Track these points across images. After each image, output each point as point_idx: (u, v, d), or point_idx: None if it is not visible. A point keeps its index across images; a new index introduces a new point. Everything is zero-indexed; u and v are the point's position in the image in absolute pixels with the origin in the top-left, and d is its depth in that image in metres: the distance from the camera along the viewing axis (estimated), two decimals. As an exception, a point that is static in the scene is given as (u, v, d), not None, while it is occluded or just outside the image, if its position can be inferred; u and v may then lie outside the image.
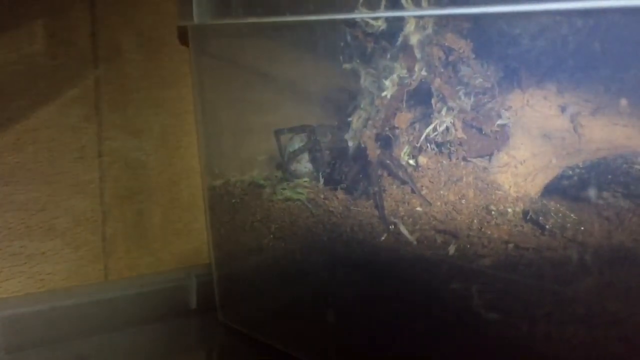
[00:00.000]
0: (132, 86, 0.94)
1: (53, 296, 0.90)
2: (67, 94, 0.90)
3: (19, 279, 0.88)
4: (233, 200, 0.89)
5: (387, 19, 0.69)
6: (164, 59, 0.96)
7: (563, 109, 0.78)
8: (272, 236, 0.83)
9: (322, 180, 0.81)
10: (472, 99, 0.77)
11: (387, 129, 0.73)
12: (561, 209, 0.73)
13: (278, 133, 0.88)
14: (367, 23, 0.70)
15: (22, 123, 0.87)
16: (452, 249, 0.69)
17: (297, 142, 0.86)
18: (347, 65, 0.77)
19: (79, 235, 0.92)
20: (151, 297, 0.95)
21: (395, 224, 0.73)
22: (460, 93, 0.76)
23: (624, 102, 0.73)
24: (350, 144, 0.78)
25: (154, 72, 0.95)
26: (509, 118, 0.79)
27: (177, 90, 0.97)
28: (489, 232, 0.70)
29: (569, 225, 0.70)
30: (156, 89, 0.96)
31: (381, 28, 0.70)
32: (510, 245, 0.68)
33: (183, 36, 0.95)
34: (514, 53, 0.76)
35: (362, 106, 0.76)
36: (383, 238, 0.73)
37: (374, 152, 0.72)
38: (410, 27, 0.67)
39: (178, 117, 0.98)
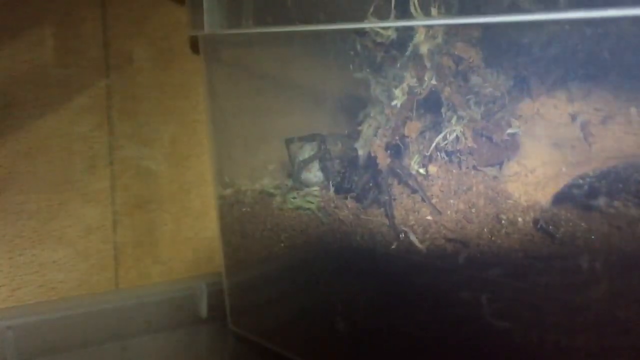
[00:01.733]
0: (143, 95, 0.95)
1: (64, 305, 0.90)
2: (78, 103, 0.90)
3: (31, 288, 0.89)
4: (243, 209, 0.89)
5: (397, 29, 0.69)
6: (175, 69, 0.96)
7: (573, 118, 0.77)
8: (282, 245, 0.83)
9: (332, 189, 0.81)
10: (482, 107, 0.77)
11: (397, 137, 0.73)
12: (572, 217, 0.73)
13: (288, 142, 0.88)
14: (377, 32, 0.70)
15: (33, 132, 0.88)
16: (462, 258, 0.68)
17: (308, 151, 0.87)
18: (357, 75, 0.78)
19: (90, 244, 0.92)
20: (162, 305, 0.96)
21: (405, 233, 0.73)
22: (470, 102, 0.76)
23: (634, 110, 0.73)
24: (360, 152, 0.78)
25: (165, 81, 0.96)
26: (519, 127, 0.79)
27: (188, 100, 0.98)
28: (499, 241, 0.70)
29: (579, 234, 0.70)
30: (167, 98, 0.96)
31: (391, 37, 0.71)
32: (521, 255, 0.67)
33: (194, 45, 0.96)
34: (524, 62, 0.76)
35: (372, 115, 0.76)
36: (393, 247, 0.73)
37: (384, 160, 0.72)
38: (420, 36, 0.68)
39: (189, 126, 0.98)
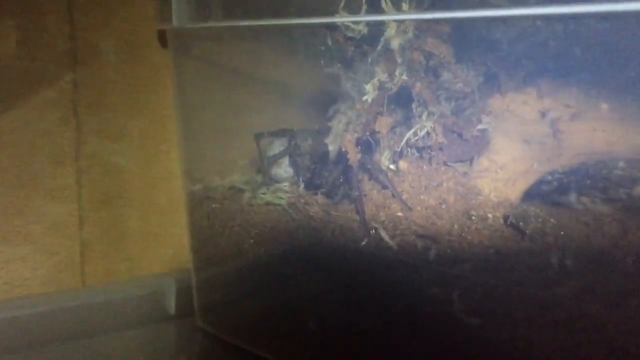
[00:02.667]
0: (111, 89, 0.93)
1: (30, 302, 0.89)
2: (43, 97, 0.89)
3: (-4, 285, 0.87)
4: (213, 205, 0.88)
5: (368, 23, 0.69)
6: (142, 63, 0.95)
7: (543, 114, 0.78)
8: (252, 241, 0.82)
9: (302, 185, 0.81)
10: (453, 103, 0.77)
11: (368, 133, 0.73)
12: (541, 214, 0.73)
13: (258, 137, 0.88)
14: (347, 27, 0.70)
15: (-3, 126, 0.86)
16: (432, 254, 0.68)
17: (278, 146, 0.86)
18: (327, 70, 0.77)
19: (56, 241, 0.91)
20: (129, 302, 0.95)
21: (376, 229, 0.72)
22: (441, 98, 0.76)
23: (603, 107, 0.73)
24: (330, 148, 0.78)
25: (132, 75, 0.94)
26: (489, 123, 0.79)
27: (156, 94, 0.96)
28: (470, 237, 0.70)
29: (548, 230, 0.70)
30: (135, 93, 0.95)
31: (362, 32, 0.70)
32: (491, 251, 0.67)
33: (162, 39, 0.95)
34: (494, 58, 0.76)
35: (342, 110, 0.76)
36: (364, 243, 0.72)
37: (354, 156, 0.72)
38: (391, 31, 0.67)
39: (157, 121, 0.97)
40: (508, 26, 0.70)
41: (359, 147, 0.73)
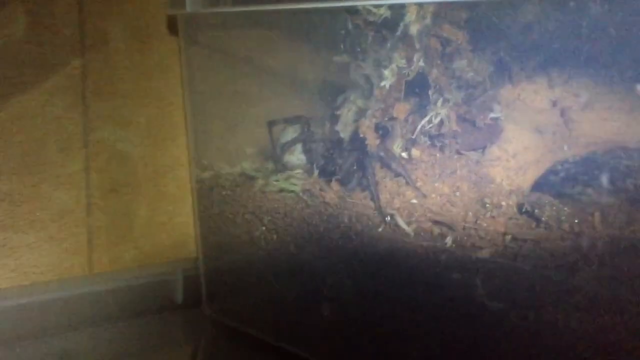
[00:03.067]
0: (119, 76, 0.93)
1: (37, 289, 0.88)
2: (52, 83, 0.88)
3: (3, 271, 0.86)
4: (223, 192, 0.88)
5: (389, 7, 0.68)
6: (152, 49, 0.94)
7: (554, 103, 0.78)
8: (264, 228, 0.82)
9: (316, 172, 0.81)
10: (466, 91, 0.77)
11: (385, 119, 0.73)
12: (554, 202, 0.73)
13: (271, 124, 0.87)
14: (369, 11, 0.70)
15: (6, 112, 0.85)
16: (449, 241, 0.68)
17: (291, 133, 0.86)
18: (344, 55, 0.77)
19: (64, 228, 0.90)
20: (136, 291, 0.94)
21: (392, 216, 0.72)
22: (456, 85, 0.76)
23: (614, 97, 0.73)
24: (345, 134, 0.77)
25: (141, 62, 0.94)
26: (501, 111, 0.79)
27: (165, 81, 0.96)
28: (485, 224, 0.70)
29: (563, 217, 0.70)
30: (144, 80, 0.94)
31: (383, 16, 0.70)
32: (508, 237, 0.68)
33: (172, 26, 0.94)
34: (507, 46, 0.76)
35: (359, 96, 0.76)
36: (380, 229, 0.72)
37: (373, 142, 0.72)
38: (410, 16, 0.67)
39: (166, 109, 0.96)
40: (520, 13, 0.70)
41: (379, 132, 0.73)
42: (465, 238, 0.68)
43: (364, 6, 0.69)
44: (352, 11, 0.71)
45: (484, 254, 0.66)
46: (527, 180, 0.80)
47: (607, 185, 0.73)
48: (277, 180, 0.83)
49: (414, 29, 0.68)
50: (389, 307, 0.71)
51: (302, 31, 0.85)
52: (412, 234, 0.71)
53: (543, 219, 0.70)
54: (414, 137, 0.77)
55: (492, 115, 0.79)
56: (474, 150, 0.81)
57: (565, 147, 0.78)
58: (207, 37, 0.92)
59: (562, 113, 0.77)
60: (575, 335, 0.58)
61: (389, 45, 0.70)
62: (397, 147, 0.78)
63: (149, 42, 0.94)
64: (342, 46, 0.77)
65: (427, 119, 0.76)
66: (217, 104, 0.93)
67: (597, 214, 0.66)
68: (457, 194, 0.76)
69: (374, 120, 0.71)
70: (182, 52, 0.92)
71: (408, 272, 0.69)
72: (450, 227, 0.70)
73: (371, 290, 0.73)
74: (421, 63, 0.71)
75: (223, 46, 0.93)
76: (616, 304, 0.58)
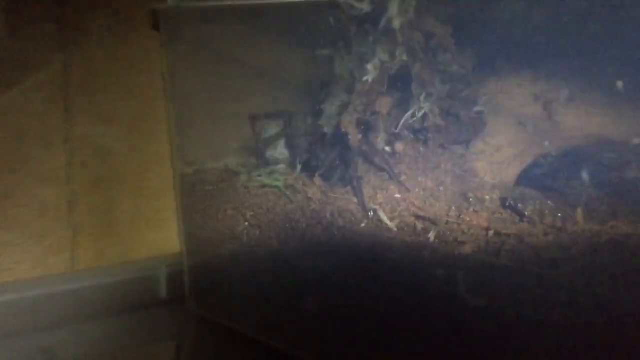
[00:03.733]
0: (101, 71, 0.92)
1: (19, 286, 0.88)
2: (33, 78, 0.87)
3: (-16, 269, 0.86)
4: (206, 188, 0.87)
5: (371, 2, 0.68)
6: (133, 44, 0.94)
7: (537, 97, 0.78)
8: (247, 224, 0.82)
9: (299, 167, 0.80)
10: (450, 85, 0.77)
11: (368, 113, 0.73)
12: (538, 196, 0.73)
13: (253, 119, 0.87)
14: (351, 5, 0.69)
15: (-14, 108, 0.85)
16: (432, 236, 0.68)
17: (274, 128, 0.85)
18: (327, 49, 0.77)
19: (46, 224, 0.90)
20: (120, 287, 0.94)
21: (375, 211, 0.72)
22: (439, 79, 0.76)
23: (598, 91, 0.73)
24: (328, 129, 0.77)
25: (123, 56, 0.93)
26: (485, 105, 0.79)
27: (147, 76, 0.95)
28: (468, 219, 0.70)
29: (547, 212, 0.70)
30: (125, 74, 0.94)
31: (365, 10, 0.70)
32: (491, 232, 0.68)
33: (154, 20, 0.93)
34: (490, 40, 0.76)
35: (339, 91, 0.75)
36: (363, 225, 0.72)
37: (355, 137, 0.72)
38: (393, 10, 0.67)
39: (148, 103, 0.96)
40: (505, 6, 0.70)
41: (360, 127, 0.73)
42: (448, 233, 0.68)
43: (345, 0, 0.68)
44: (334, 5, 0.71)
45: (467, 249, 0.66)
46: (510, 174, 0.80)
47: (591, 179, 0.73)
48: (260, 176, 0.82)
49: (396, 23, 0.68)
50: (371, 303, 0.71)
51: (285, 26, 0.85)
52: (395, 229, 0.70)
53: (526, 213, 0.70)
54: (397, 131, 0.77)
55: (476, 109, 0.79)
56: (458, 144, 0.81)
57: (549, 141, 0.78)
58: (189, 33, 0.91)
59: (546, 107, 0.77)
60: (557, 332, 0.58)
61: (371, 39, 0.70)
62: (380, 141, 0.78)
63: (131, 37, 0.93)
64: (324, 41, 0.76)
65: (410, 112, 0.76)
66: (200, 98, 0.93)
67: (579, 209, 0.66)
68: (441, 188, 0.76)
69: (356, 115, 0.71)
70: (165, 47, 0.91)
71: (391, 267, 0.69)
72: (434, 222, 0.70)
73: (354, 286, 0.72)
74: (404, 57, 0.71)
75: (206, 41, 0.92)
76: (598, 299, 0.58)
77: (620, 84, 0.69)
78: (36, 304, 0.88)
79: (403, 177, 0.76)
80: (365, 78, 0.70)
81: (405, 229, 0.70)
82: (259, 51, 0.92)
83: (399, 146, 0.79)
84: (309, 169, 0.80)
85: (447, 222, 0.70)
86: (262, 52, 0.92)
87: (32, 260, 0.89)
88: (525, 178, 0.79)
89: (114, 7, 0.92)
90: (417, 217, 0.71)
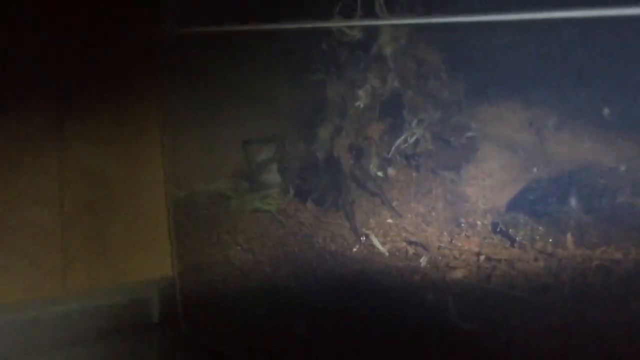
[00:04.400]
0: (96, 96, 0.92)
1: (12, 309, 0.87)
2: (28, 103, 0.87)
3: (-24, 292, 0.86)
4: (199, 212, 0.87)
5: (362, 29, 0.69)
6: (129, 69, 0.94)
7: (530, 123, 0.78)
8: (239, 247, 0.82)
9: (292, 191, 0.80)
10: (442, 111, 0.78)
11: (360, 139, 0.73)
12: (529, 221, 0.73)
13: (246, 143, 0.87)
14: (342, 32, 0.70)
15: (-20, 132, 0.85)
16: (424, 261, 0.69)
17: (266, 153, 0.86)
18: (319, 75, 0.77)
19: (38, 247, 0.90)
20: (112, 310, 0.93)
21: (367, 235, 0.72)
22: (431, 105, 0.76)
23: (588, 118, 0.74)
24: (321, 154, 0.78)
25: (117, 82, 0.93)
26: (477, 131, 0.79)
27: (142, 102, 0.95)
28: (460, 244, 0.70)
29: (537, 237, 0.71)
30: (120, 100, 0.94)
31: (356, 37, 0.70)
32: (482, 257, 0.68)
33: (150, 46, 0.94)
34: (483, 67, 0.77)
35: (334, 116, 0.76)
36: (355, 249, 0.72)
37: (347, 162, 0.72)
38: (384, 37, 0.67)
39: (141, 128, 0.96)
40: (497, 35, 0.70)
41: (353, 152, 0.73)
42: (439, 258, 0.69)
43: (337, 28, 0.69)
44: (326, 32, 0.72)
45: (458, 274, 0.66)
46: (502, 199, 0.80)
47: (583, 204, 0.74)
48: (252, 200, 0.83)
49: (388, 50, 0.69)
50: (362, 327, 0.71)
51: (278, 52, 0.86)
52: (387, 254, 0.71)
53: (517, 238, 0.70)
54: (389, 156, 0.78)
55: (468, 134, 0.79)
56: (450, 169, 0.81)
57: (541, 166, 0.78)
58: (185, 57, 0.92)
59: (538, 132, 0.78)
60: (548, 357, 0.58)
61: (362, 65, 0.71)
62: (373, 166, 0.79)
63: (127, 63, 0.94)
64: (317, 67, 0.77)
65: (402, 138, 0.77)
66: (194, 123, 0.93)
67: (569, 235, 0.66)
68: (433, 213, 0.76)
69: (348, 140, 0.72)
70: (160, 71, 0.92)
71: (382, 292, 0.69)
72: (425, 247, 0.70)
73: (345, 310, 0.73)
74: (396, 83, 0.71)
75: (201, 65, 0.93)
76: (587, 324, 0.58)
77: (606, 111, 0.70)
78: (28, 326, 0.87)
79: (395, 202, 0.76)
80: (357, 104, 0.71)
81: (397, 253, 0.71)
82: (252, 77, 0.93)
83: (392, 171, 0.79)
84: (302, 193, 0.80)
85: (438, 247, 0.70)
86: (256, 77, 0.93)
87: (24, 283, 0.89)
88: (516, 203, 0.79)
89: (110, 31, 0.92)
90: (409, 242, 0.71)
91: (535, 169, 0.79)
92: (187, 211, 0.89)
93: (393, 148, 0.77)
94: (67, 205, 0.91)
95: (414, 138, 0.76)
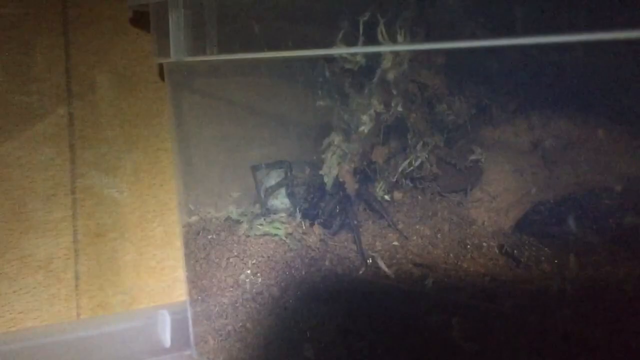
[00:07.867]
0: (106, 123, 0.94)
1: (24, 336, 0.88)
2: (39, 131, 0.89)
3: (-10, 318, 0.87)
4: (209, 236, 0.88)
5: (365, 55, 0.70)
6: (138, 97, 0.96)
7: (534, 145, 0.79)
8: (249, 272, 0.83)
9: (299, 215, 0.81)
10: (447, 134, 0.79)
11: (365, 163, 0.74)
12: (535, 242, 0.74)
13: (254, 169, 0.89)
14: (345, 59, 0.71)
15: (-7, 160, 0.87)
16: (430, 283, 0.69)
17: (274, 178, 0.87)
18: (324, 101, 0.78)
19: (51, 274, 0.91)
20: (125, 335, 0.94)
21: (373, 258, 0.73)
22: (436, 128, 0.77)
23: (594, 137, 0.75)
24: (328, 178, 0.79)
25: (128, 109, 0.95)
26: (482, 154, 0.80)
27: (152, 128, 0.97)
28: (465, 266, 0.71)
29: (543, 258, 0.71)
30: (130, 126, 0.95)
31: (359, 64, 0.71)
32: (487, 279, 0.68)
33: (159, 73, 0.96)
34: (486, 89, 0.78)
35: (339, 141, 0.77)
36: (361, 272, 0.73)
37: (352, 186, 0.73)
38: (387, 62, 0.69)
39: (152, 154, 0.97)
40: (500, 58, 0.71)
41: (357, 176, 0.74)
42: (445, 280, 0.69)
43: (340, 54, 0.70)
44: (329, 59, 0.73)
45: (464, 296, 0.66)
46: (508, 221, 0.80)
47: (588, 226, 0.74)
48: (261, 225, 0.84)
49: (390, 75, 0.70)
50: (370, 350, 0.72)
51: (285, 78, 0.87)
52: (393, 276, 0.71)
53: (523, 260, 0.71)
54: (395, 180, 0.79)
55: (472, 157, 0.80)
56: (455, 192, 0.82)
57: (546, 188, 0.79)
58: (194, 84, 0.93)
59: (543, 154, 0.79)
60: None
61: (366, 91, 0.72)
62: (379, 189, 0.80)
63: (136, 90, 0.95)
64: (322, 92, 0.78)
65: (407, 162, 0.78)
66: (204, 148, 0.94)
67: (571, 256, 0.67)
68: (439, 235, 0.77)
69: (352, 164, 0.73)
70: (169, 99, 0.94)
71: (389, 315, 0.70)
72: (431, 269, 0.71)
73: (353, 333, 0.73)
74: (399, 108, 0.72)
75: (209, 93, 0.94)
76: (592, 346, 0.58)
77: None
78: (41, 353, 0.88)
79: (401, 225, 0.77)
80: (361, 128, 0.72)
81: (403, 276, 0.71)
82: (260, 103, 0.94)
83: (397, 195, 0.80)
84: (309, 217, 0.81)
85: (445, 269, 0.71)
86: (264, 103, 0.94)
87: (37, 309, 0.90)
88: (523, 224, 0.80)
89: (119, 60, 0.94)
90: (415, 264, 0.72)
91: (541, 191, 0.79)
92: (197, 236, 0.90)
93: (398, 172, 0.78)
94: (79, 232, 0.93)
95: (418, 161, 0.77)
